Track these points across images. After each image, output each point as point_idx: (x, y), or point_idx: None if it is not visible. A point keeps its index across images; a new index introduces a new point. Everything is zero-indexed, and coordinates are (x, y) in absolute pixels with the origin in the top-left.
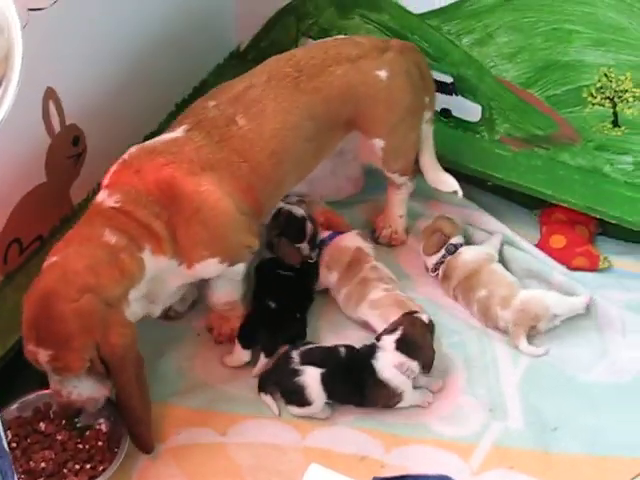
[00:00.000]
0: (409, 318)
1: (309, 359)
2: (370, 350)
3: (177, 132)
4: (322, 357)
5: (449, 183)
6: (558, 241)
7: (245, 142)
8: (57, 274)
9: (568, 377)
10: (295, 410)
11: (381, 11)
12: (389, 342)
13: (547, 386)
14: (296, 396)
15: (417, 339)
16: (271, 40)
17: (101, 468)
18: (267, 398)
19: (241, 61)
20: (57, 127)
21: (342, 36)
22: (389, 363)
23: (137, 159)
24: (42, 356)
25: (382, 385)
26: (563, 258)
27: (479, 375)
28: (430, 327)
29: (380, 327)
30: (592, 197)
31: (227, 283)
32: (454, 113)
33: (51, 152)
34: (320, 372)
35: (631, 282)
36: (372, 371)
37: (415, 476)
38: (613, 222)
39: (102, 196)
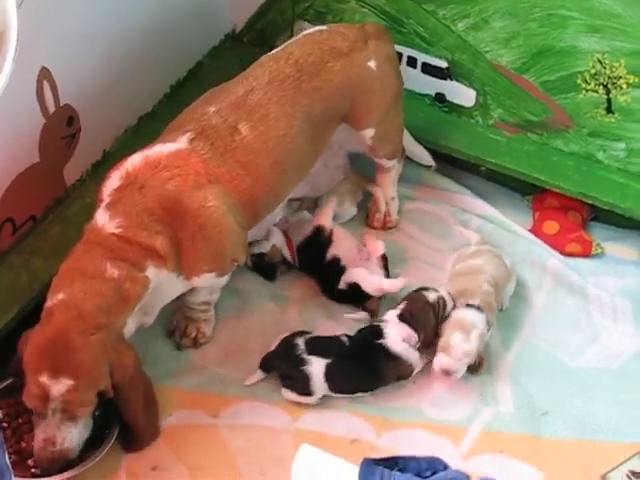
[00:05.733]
0: (413, 294)
1: (315, 349)
2: (374, 331)
3: (181, 142)
4: (327, 347)
5: (424, 158)
6: (551, 227)
7: (249, 153)
8: (70, 312)
9: (559, 362)
10: (289, 395)
11: None
12: (392, 316)
13: (538, 371)
14: (298, 384)
15: (418, 314)
16: (266, 22)
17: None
18: (257, 374)
19: (236, 43)
20: (51, 107)
21: (321, 27)
22: (398, 337)
23: (141, 173)
24: (58, 388)
25: (395, 359)
26: (556, 244)
27: None
28: (433, 305)
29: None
30: (585, 183)
31: (209, 287)
32: (448, 98)
33: (45, 132)
34: (325, 363)
35: (623, 268)
36: (382, 348)
37: (406, 457)
38: (605, 208)
39: (102, 219)
